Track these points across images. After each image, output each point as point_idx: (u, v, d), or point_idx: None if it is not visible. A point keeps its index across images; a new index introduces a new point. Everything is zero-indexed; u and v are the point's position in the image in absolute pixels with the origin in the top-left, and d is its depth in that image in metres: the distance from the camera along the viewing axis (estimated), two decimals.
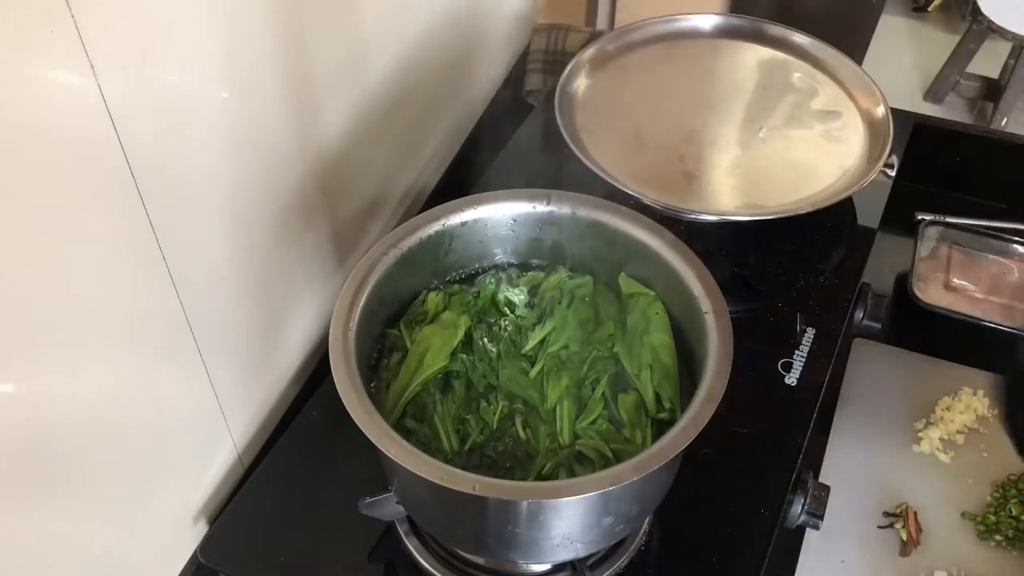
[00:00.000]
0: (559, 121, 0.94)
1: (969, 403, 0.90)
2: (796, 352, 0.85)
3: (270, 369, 0.84)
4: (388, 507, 0.67)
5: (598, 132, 0.97)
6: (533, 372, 0.68)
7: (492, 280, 0.73)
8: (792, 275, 0.93)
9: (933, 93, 2.59)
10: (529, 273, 0.75)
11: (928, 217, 1.03)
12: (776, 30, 1.08)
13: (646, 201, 0.87)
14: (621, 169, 0.91)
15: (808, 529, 0.78)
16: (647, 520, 0.75)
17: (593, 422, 0.66)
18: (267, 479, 0.77)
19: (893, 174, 1.00)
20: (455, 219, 0.72)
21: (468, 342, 0.69)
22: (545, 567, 0.72)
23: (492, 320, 0.71)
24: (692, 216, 0.88)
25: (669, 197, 0.88)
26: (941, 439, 0.88)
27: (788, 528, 0.76)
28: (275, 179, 0.75)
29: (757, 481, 0.77)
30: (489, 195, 0.74)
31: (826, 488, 0.76)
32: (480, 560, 0.72)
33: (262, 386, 0.83)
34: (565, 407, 0.66)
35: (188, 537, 0.77)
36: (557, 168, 1.00)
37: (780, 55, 1.08)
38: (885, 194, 1.00)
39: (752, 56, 1.08)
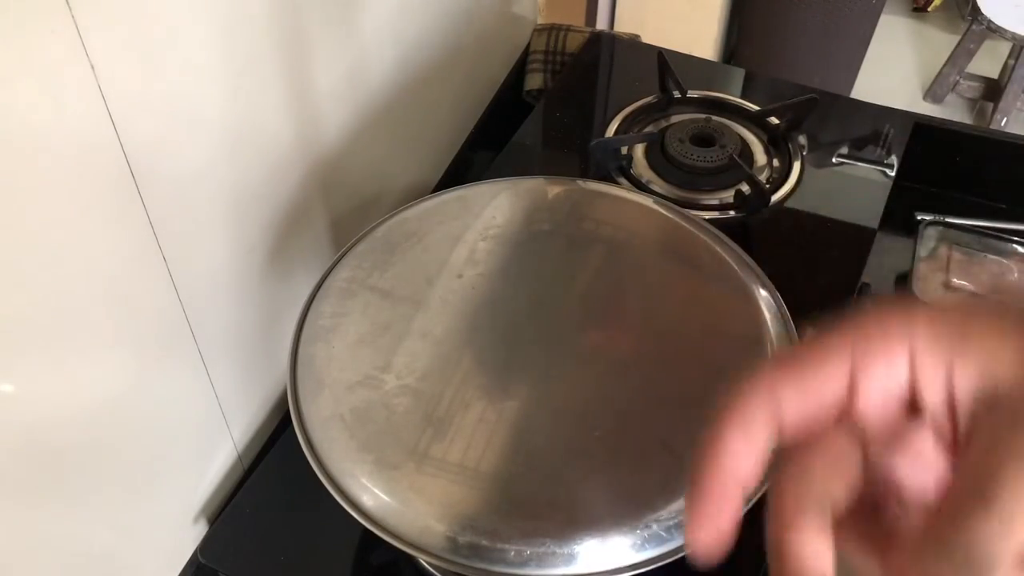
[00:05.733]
0: None
1: None
2: None
3: (270, 369, 0.84)
4: None
5: None
6: None
7: None
8: (792, 275, 0.93)
9: (933, 93, 2.60)
10: None
11: (928, 217, 1.03)
12: None
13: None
14: None
15: None
16: None
17: None
18: (267, 479, 0.77)
19: (893, 174, 0.99)
20: None
21: None
22: None
23: None
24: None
25: None
26: None
27: None
28: (275, 180, 0.75)
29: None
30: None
31: None
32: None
33: (262, 386, 0.83)
34: None
35: (188, 537, 0.77)
36: (556, 168, 1.00)
37: None
38: (885, 194, 1.00)
39: None
